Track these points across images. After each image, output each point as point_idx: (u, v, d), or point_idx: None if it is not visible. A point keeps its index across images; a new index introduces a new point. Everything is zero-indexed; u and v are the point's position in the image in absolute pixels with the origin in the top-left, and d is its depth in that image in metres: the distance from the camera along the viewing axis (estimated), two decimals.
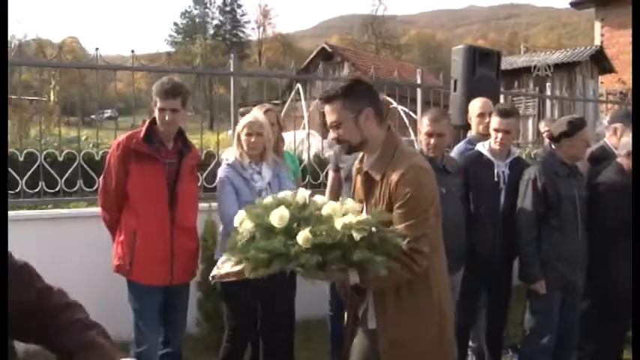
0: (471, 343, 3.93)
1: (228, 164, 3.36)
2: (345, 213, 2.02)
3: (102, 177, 3.27)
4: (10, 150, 4.46)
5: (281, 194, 2.19)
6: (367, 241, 1.96)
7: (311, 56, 28.73)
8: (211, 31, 57.50)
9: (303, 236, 1.91)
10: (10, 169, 4.19)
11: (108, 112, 18.55)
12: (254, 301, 3.33)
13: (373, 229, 1.98)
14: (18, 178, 4.21)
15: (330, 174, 3.88)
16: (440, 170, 3.23)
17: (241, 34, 59.07)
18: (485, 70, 5.10)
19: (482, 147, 3.66)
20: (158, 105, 3.12)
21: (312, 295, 3.37)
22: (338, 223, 1.96)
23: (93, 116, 15.78)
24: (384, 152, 2.24)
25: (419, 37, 69.73)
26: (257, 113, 3.44)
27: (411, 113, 7.18)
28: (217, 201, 3.38)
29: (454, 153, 3.94)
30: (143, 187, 3.11)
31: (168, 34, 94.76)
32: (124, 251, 3.14)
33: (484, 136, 3.89)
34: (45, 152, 4.29)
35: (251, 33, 59.88)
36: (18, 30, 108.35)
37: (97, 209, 4.62)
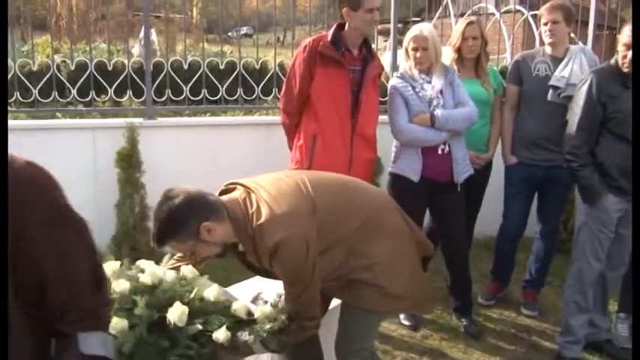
0: None
1: (397, 76, 3.34)
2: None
3: (285, 81, 3.30)
4: (175, 58, 4.65)
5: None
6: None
7: None
8: None
9: (224, 336, 1.85)
10: (175, 76, 4.37)
11: (244, 30, 18.97)
12: None
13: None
14: (183, 85, 4.38)
15: (509, 87, 3.65)
16: None
17: None
18: None
19: None
20: (365, 6, 3.07)
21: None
22: (240, 311, 1.95)
23: (230, 33, 16.14)
24: (244, 241, 2.01)
25: None
26: (423, 26, 3.27)
27: None
28: (388, 112, 3.33)
29: None
30: (327, 92, 3.11)
31: None
32: (303, 155, 3.18)
33: None
34: (207, 61, 4.40)
35: None
36: None
37: (253, 118, 4.83)
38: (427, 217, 3.55)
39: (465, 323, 3.45)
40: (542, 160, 3.48)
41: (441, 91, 3.21)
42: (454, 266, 3.45)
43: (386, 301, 2.16)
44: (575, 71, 3.32)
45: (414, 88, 3.23)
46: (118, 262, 2.01)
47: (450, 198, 3.29)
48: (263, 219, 1.94)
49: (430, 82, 3.22)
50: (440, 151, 3.23)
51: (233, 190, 2.11)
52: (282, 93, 3.32)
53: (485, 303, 3.78)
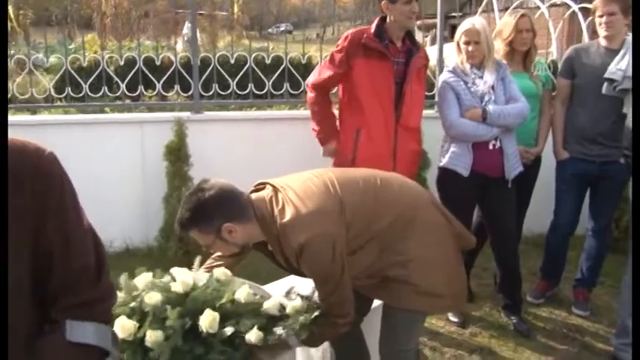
0: None
1: (449, 70, 3.30)
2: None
3: (321, 63, 3.32)
4: (222, 53, 4.69)
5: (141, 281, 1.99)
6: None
7: None
8: None
9: (256, 336, 1.86)
10: (222, 71, 4.41)
11: (282, 26, 19.18)
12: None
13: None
14: (230, 79, 4.42)
15: (561, 81, 3.56)
16: None
17: None
18: None
19: None
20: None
21: None
22: (272, 309, 1.97)
23: (270, 30, 16.32)
24: (271, 241, 2.00)
25: None
26: (475, 20, 3.23)
27: None
28: (438, 106, 3.30)
29: None
30: (370, 85, 3.10)
31: None
32: (347, 148, 3.18)
33: None
34: (253, 56, 4.43)
35: None
36: None
37: (299, 112, 4.84)
38: (475, 213, 3.50)
39: (514, 321, 3.38)
40: (595, 155, 3.38)
41: (493, 87, 3.17)
42: (504, 263, 3.39)
43: (424, 301, 2.11)
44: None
45: (465, 82, 3.20)
46: (150, 274, 2.04)
47: (500, 193, 3.24)
48: (287, 219, 1.94)
49: (482, 77, 3.18)
50: (491, 147, 3.18)
51: (263, 189, 2.12)
52: (313, 71, 3.31)
53: (534, 301, 3.70)
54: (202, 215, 1.95)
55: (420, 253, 2.09)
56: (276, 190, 2.05)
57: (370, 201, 2.09)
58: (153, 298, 1.89)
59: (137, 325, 1.83)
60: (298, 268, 2.02)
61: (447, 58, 4.58)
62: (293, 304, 2.00)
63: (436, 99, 4.32)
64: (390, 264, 2.08)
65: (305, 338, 1.97)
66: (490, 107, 3.12)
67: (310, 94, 3.32)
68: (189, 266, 2.17)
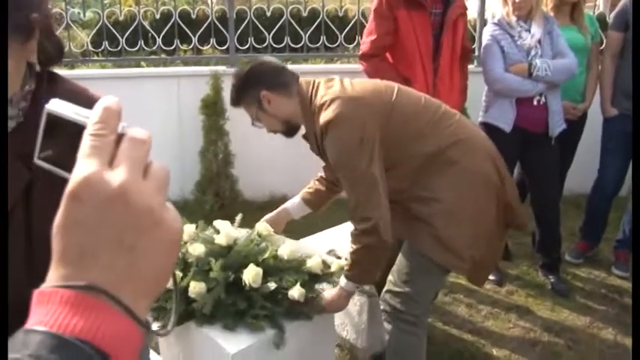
0: None
1: (494, 23, 3.17)
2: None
3: (367, 26, 3.20)
4: (257, 6, 4.62)
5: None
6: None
7: None
8: None
9: (299, 293, 1.88)
10: (258, 24, 4.34)
11: None
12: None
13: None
14: (266, 33, 4.36)
15: (612, 34, 3.41)
16: None
17: None
18: None
19: None
20: None
21: None
22: (315, 268, 2.00)
23: None
24: (307, 118, 1.98)
25: None
26: None
27: None
28: (482, 60, 3.20)
29: None
30: (412, 36, 2.97)
31: None
32: None
33: None
34: (290, 8, 4.34)
35: None
36: None
37: (336, 66, 4.76)
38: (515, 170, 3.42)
39: (552, 280, 3.34)
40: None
41: (540, 41, 3.05)
42: (545, 221, 3.33)
43: (438, 251, 1.95)
44: None
45: (511, 36, 3.08)
46: (193, 226, 2.05)
47: (543, 151, 3.15)
48: (328, 96, 1.96)
49: (529, 31, 3.06)
50: (535, 102, 3.09)
51: None
52: (363, 39, 3.21)
53: (573, 261, 3.64)
54: (243, 87, 2.05)
55: (450, 197, 1.94)
56: (333, 79, 2.08)
57: (422, 120, 2.00)
58: (197, 249, 1.91)
59: (180, 274, 1.86)
60: (324, 155, 2.01)
61: (487, 10, 4.42)
62: (339, 262, 2.00)
63: (476, 53, 4.19)
64: (415, 197, 1.98)
65: (347, 272, 1.94)
66: (537, 61, 3.01)
67: (364, 64, 3.19)
68: (225, 220, 2.17)
